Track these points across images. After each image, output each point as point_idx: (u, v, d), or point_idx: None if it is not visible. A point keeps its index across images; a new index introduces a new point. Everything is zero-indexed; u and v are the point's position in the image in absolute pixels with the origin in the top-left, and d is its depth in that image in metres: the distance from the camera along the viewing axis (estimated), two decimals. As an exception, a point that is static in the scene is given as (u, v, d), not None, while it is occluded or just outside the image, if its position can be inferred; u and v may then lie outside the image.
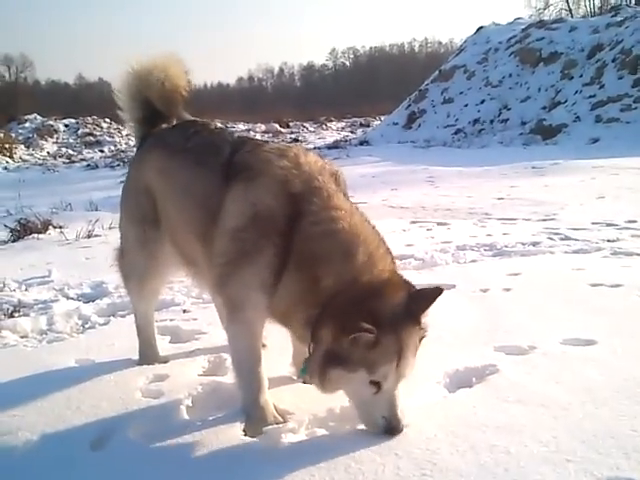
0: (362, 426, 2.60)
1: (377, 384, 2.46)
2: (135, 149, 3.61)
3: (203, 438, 2.63)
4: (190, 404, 2.98)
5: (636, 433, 2.41)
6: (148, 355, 3.53)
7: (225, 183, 2.81)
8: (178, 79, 3.46)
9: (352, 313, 2.38)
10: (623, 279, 4.55)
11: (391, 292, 2.48)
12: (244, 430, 2.68)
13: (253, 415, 2.76)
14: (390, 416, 2.52)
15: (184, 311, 4.44)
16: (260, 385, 2.81)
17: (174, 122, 3.48)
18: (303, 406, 2.86)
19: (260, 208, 2.66)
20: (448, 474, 2.25)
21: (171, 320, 4.27)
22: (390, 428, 2.52)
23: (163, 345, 3.81)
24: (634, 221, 7.20)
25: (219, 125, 3.40)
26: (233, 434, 2.65)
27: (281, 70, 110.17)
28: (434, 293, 2.49)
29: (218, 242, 2.76)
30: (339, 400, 2.79)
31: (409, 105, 27.96)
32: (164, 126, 3.46)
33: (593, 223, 7.18)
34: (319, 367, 2.49)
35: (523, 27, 27.95)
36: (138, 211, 3.35)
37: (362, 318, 2.34)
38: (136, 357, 3.54)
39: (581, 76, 23.11)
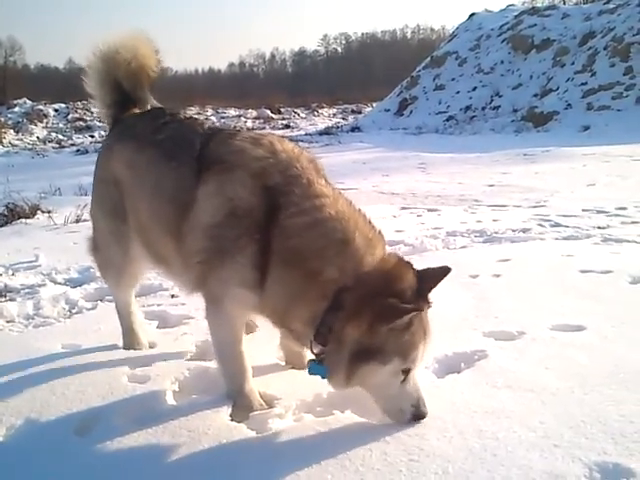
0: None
1: (407, 371, 2.41)
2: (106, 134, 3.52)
3: (189, 423, 2.61)
4: (177, 389, 2.97)
5: (624, 418, 2.41)
6: (131, 341, 3.50)
7: (196, 177, 2.70)
8: (146, 58, 3.35)
9: (381, 301, 2.30)
10: (613, 265, 4.54)
11: (405, 274, 2.42)
12: (231, 415, 2.66)
13: (237, 402, 2.74)
14: (418, 402, 2.47)
15: (172, 296, 4.41)
16: (243, 373, 2.78)
17: (144, 107, 3.39)
18: (290, 391, 2.85)
19: (237, 203, 2.55)
20: (435, 459, 2.24)
21: (159, 305, 4.25)
22: (418, 414, 2.47)
23: (150, 330, 3.79)
24: (624, 208, 7.22)
25: (189, 115, 3.28)
26: (220, 419, 2.63)
27: (272, 56, 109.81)
28: (443, 272, 2.48)
29: (192, 239, 2.68)
30: (326, 385, 2.77)
31: (401, 92, 27.95)
32: (134, 112, 3.35)
33: (583, 210, 7.19)
34: (346, 365, 2.36)
35: (515, 14, 27.96)
36: (109, 202, 3.23)
37: (395, 303, 2.30)
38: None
39: (573, 63, 23.11)
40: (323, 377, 2.49)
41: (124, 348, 3.47)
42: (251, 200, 2.54)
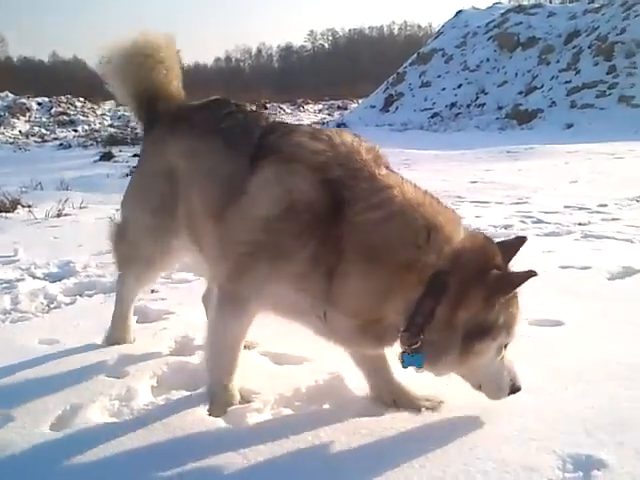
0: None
1: (505, 346, 2.42)
2: (144, 130, 3.40)
3: (167, 418, 2.59)
4: (155, 384, 2.95)
5: (598, 412, 2.44)
6: (121, 336, 3.44)
7: (250, 164, 2.59)
8: (175, 60, 3.36)
9: (489, 275, 2.29)
10: (592, 261, 4.58)
11: (495, 248, 2.41)
12: (208, 411, 2.65)
13: (218, 397, 2.72)
14: (514, 376, 2.47)
15: (152, 291, 4.38)
16: (233, 371, 2.75)
17: (177, 100, 3.34)
18: (269, 386, 2.84)
19: (297, 196, 2.42)
20: (410, 452, 2.25)
21: (139, 300, 4.20)
22: (516, 388, 2.46)
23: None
24: (605, 205, 7.29)
25: (254, 109, 3.23)
26: (197, 414, 2.62)
27: (259, 51, 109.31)
28: (520, 242, 2.52)
29: (240, 229, 2.55)
30: (305, 380, 2.82)
31: (387, 88, 27.99)
32: (190, 104, 3.26)
33: (565, 207, 7.23)
34: (460, 347, 2.30)
35: (502, 11, 28.08)
36: (155, 198, 3.11)
37: (507, 274, 2.34)
38: (103, 336, 3.48)
39: (558, 62, 23.25)
40: (419, 367, 2.40)
41: (107, 343, 3.40)
42: (312, 194, 2.41)
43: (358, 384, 2.77)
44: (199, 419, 2.58)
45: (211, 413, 2.64)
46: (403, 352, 2.39)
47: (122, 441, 2.44)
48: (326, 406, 2.64)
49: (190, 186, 2.93)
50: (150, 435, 2.47)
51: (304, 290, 2.42)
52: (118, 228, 3.37)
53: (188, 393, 2.82)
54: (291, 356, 3.14)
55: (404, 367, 2.43)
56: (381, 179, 2.44)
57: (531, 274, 2.24)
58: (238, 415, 2.59)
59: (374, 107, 27.10)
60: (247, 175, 2.58)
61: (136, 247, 3.22)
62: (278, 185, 2.48)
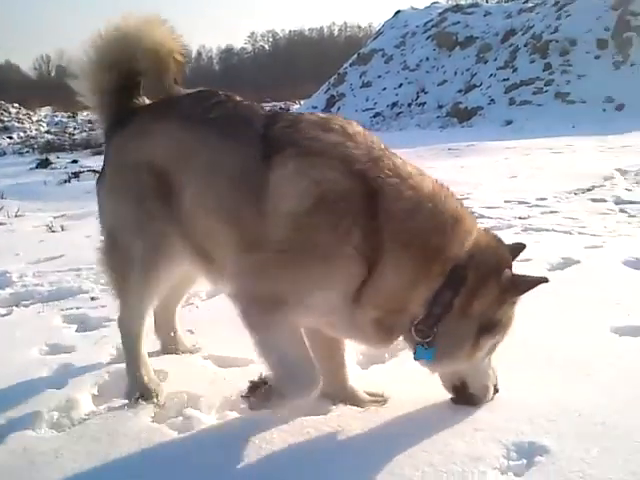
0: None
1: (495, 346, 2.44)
2: (111, 125, 2.98)
3: (109, 426, 2.55)
4: (96, 393, 2.89)
5: (541, 401, 2.48)
6: (142, 382, 2.86)
7: (265, 159, 2.43)
8: (164, 42, 2.95)
9: (504, 274, 2.33)
10: (533, 254, 4.63)
11: (506, 247, 2.47)
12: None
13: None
14: (495, 377, 2.52)
15: (92, 298, 4.29)
16: (316, 373, 2.45)
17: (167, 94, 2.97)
18: (213, 390, 2.81)
19: (328, 186, 2.30)
20: (358, 448, 2.27)
21: (78, 308, 4.12)
22: (496, 390, 2.52)
23: (69, 333, 3.68)
24: (544, 199, 7.43)
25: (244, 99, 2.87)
26: (140, 421, 2.58)
27: (199, 53, 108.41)
28: (520, 248, 2.58)
29: (266, 228, 2.37)
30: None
31: (328, 89, 28.07)
32: (174, 95, 2.95)
33: (506, 201, 7.35)
34: (473, 339, 2.34)
35: (440, 11, 28.40)
36: (138, 189, 2.78)
37: (524, 276, 2.36)
38: (41, 347, 3.39)
39: (495, 60, 23.64)
40: (430, 360, 2.38)
41: (133, 400, 2.78)
42: (344, 183, 2.31)
43: (304, 384, 2.75)
44: (144, 427, 2.54)
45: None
46: (417, 344, 2.37)
47: (62, 453, 2.38)
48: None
49: (179, 182, 2.68)
50: (93, 445, 2.42)
51: (345, 283, 2.31)
52: (105, 244, 2.95)
53: (137, 395, 2.76)
54: (235, 359, 3.11)
55: (416, 359, 2.41)
56: (403, 167, 2.42)
57: (542, 280, 2.32)
58: (183, 421, 2.56)
59: (316, 108, 27.10)
60: (262, 170, 2.42)
61: (127, 249, 2.82)
62: (304, 178, 2.33)
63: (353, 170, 2.33)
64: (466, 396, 2.49)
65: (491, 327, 2.35)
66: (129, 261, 2.81)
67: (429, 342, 2.34)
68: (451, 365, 2.43)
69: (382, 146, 2.48)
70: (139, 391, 2.78)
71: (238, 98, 2.80)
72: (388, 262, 2.27)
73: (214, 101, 2.76)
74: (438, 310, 2.30)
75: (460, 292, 2.30)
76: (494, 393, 2.51)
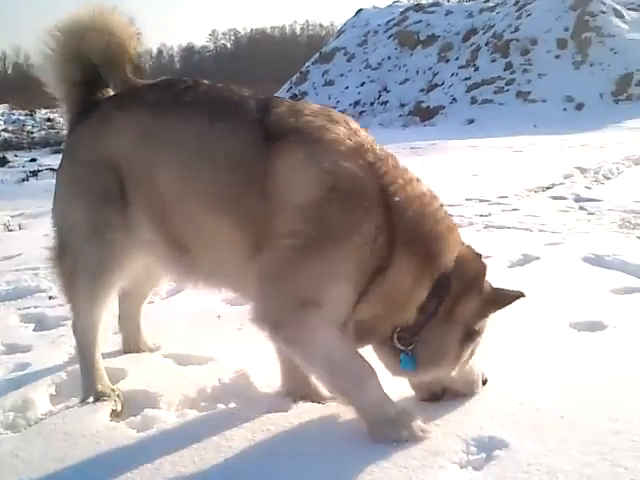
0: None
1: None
2: (74, 116, 2.84)
3: (66, 426, 2.49)
4: (54, 392, 2.84)
5: (500, 395, 2.49)
6: (95, 388, 2.74)
7: (265, 144, 2.29)
8: (122, 34, 2.80)
9: (485, 285, 2.37)
10: (494, 251, 4.69)
11: (482, 259, 2.46)
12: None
13: (394, 422, 2.27)
14: (481, 371, 2.53)
15: (50, 297, 4.22)
16: (377, 384, 2.31)
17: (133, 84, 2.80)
18: (173, 388, 2.77)
19: (341, 174, 2.19)
20: (318, 445, 2.25)
21: (36, 307, 4.05)
22: (485, 379, 2.54)
23: (27, 333, 3.61)
24: (505, 197, 7.49)
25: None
26: (99, 420, 2.53)
27: (160, 51, 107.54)
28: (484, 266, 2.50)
29: (278, 220, 2.23)
30: (210, 380, 2.76)
31: (290, 87, 28.07)
32: (137, 84, 2.78)
33: (467, 199, 7.39)
34: (458, 346, 2.32)
35: (401, 10, 28.56)
36: (96, 190, 2.61)
37: (506, 290, 2.41)
38: None
39: (457, 59, 23.87)
40: (413, 369, 2.32)
41: (82, 400, 2.74)
42: (358, 174, 2.22)
43: (264, 381, 2.74)
44: (102, 426, 2.49)
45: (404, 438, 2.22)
46: (402, 352, 2.31)
47: (17, 454, 2.33)
48: (232, 405, 2.59)
49: (157, 173, 2.50)
50: (50, 445, 2.37)
51: (359, 277, 2.21)
52: (56, 245, 2.81)
53: (90, 400, 2.70)
54: (195, 357, 3.08)
55: (402, 367, 2.33)
56: (405, 171, 2.37)
57: (520, 295, 2.35)
58: (142, 419, 2.52)
59: (279, 106, 27.12)
60: (263, 157, 2.28)
61: (79, 254, 2.68)
62: (314, 165, 2.21)
63: (366, 163, 2.25)
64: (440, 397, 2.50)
65: (472, 335, 2.35)
66: (79, 267, 2.69)
67: (411, 350, 2.29)
68: (433, 373, 2.39)
69: (380, 146, 2.43)
70: (93, 397, 2.70)
71: (207, 82, 2.64)
72: (396, 262, 2.22)
73: (182, 87, 2.59)
74: (423, 317, 2.28)
75: (444, 299, 2.28)
76: (483, 384, 2.52)
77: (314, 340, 2.24)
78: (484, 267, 2.41)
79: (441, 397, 2.48)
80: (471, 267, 2.36)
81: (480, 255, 2.46)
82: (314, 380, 2.59)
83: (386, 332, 2.32)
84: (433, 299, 2.27)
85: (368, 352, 2.39)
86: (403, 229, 2.22)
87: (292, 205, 2.20)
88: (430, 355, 2.31)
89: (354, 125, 2.41)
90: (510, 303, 2.35)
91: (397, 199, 2.23)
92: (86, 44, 2.75)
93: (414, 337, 2.29)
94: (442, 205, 2.39)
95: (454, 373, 2.39)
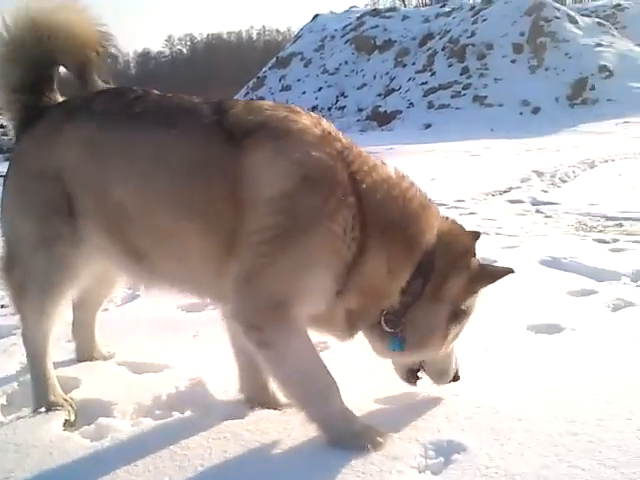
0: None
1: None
2: (20, 125, 2.74)
3: (17, 437, 2.43)
4: (5, 403, 2.78)
5: (458, 398, 2.50)
6: (47, 398, 2.67)
7: (229, 145, 2.25)
8: (84, 33, 2.74)
9: (471, 262, 2.33)
10: (451, 254, 4.71)
11: (469, 233, 2.45)
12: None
13: (355, 436, 2.23)
14: (457, 364, 2.49)
15: (2, 306, 4.13)
16: (337, 393, 2.28)
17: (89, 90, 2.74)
18: (127, 396, 2.72)
19: (312, 164, 2.17)
20: (275, 451, 2.24)
21: (-16, 316, 3.95)
22: (457, 376, 2.50)
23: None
24: (462, 200, 7.60)
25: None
26: (51, 431, 2.47)
27: (115, 57, 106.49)
28: (476, 236, 2.50)
29: (251, 217, 2.18)
30: (165, 387, 2.71)
31: (247, 93, 28.09)
32: (84, 94, 2.71)
33: (424, 203, 7.42)
34: (445, 326, 2.30)
35: (358, 15, 28.75)
36: (42, 201, 2.55)
37: (493, 266, 2.45)
38: None
39: (414, 64, 24.10)
40: (401, 350, 2.31)
41: (35, 409, 2.66)
42: (328, 163, 2.19)
43: (221, 388, 2.70)
44: (54, 436, 2.42)
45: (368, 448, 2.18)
46: (390, 334, 2.31)
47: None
48: (188, 413, 2.55)
49: (105, 183, 2.44)
50: (0, 457, 2.29)
51: (336, 266, 2.19)
52: (4, 255, 2.73)
53: (42, 410, 2.64)
54: (151, 364, 3.02)
55: (390, 349, 2.34)
56: (366, 157, 2.35)
57: (509, 271, 2.34)
58: (95, 429, 2.47)
59: (237, 111, 27.10)
60: (228, 158, 2.24)
61: (29, 267, 2.61)
62: (283, 159, 2.19)
63: (334, 151, 2.24)
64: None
65: (459, 315, 2.33)
66: (28, 279, 2.63)
67: (400, 331, 2.29)
68: (420, 354, 2.39)
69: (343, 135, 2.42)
70: (45, 407, 2.63)
71: (158, 92, 2.59)
72: (373, 249, 2.21)
73: (132, 96, 2.53)
74: (409, 298, 2.27)
75: (430, 278, 2.27)
76: (453, 380, 2.49)
77: (287, 347, 2.21)
78: (471, 242, 2.39)
79: (419, 378, 2.49)
80: (458, 242, 2.35)
81: (462, 226, 2.45)
82: (272, 386, 2.57)
83: (375, 316, 2.32)
84: (417, 280, 2.26)
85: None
86: (374, 215, 2.21)
87: (263, 200, 2.17)
88: (417, 335, 2.31)
89: (315, 116, 2.39)
90: (499, 279, 2.34)
91: (364, 186, 2.21)
92: (43, 42, 2.66)
93: (401, 319, 2.29)
94: (413, 183, 2.37)
95: (442, 352, 2.39)
